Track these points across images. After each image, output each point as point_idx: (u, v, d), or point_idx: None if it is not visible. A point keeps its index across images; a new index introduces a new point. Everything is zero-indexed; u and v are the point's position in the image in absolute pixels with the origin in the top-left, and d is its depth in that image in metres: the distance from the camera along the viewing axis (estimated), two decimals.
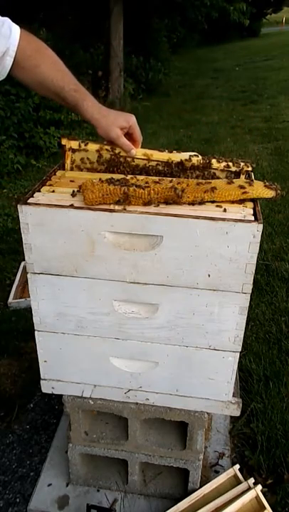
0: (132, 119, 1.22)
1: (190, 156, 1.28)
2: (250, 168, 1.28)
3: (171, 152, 1.38)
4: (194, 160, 1.26)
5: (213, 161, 1.27)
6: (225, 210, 1.08)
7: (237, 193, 1.11)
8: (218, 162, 1.27)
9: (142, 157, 1.27)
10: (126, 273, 1.13)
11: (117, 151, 1.26)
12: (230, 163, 1.27)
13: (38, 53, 1.15)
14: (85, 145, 1.29)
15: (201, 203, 1.10)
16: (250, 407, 1.84)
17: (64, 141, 1.30)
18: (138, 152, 1.26)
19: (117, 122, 1.20)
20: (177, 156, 1.27)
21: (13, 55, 1.11)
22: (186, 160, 1.26)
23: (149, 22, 9.18)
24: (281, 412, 1.82)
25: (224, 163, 1.27)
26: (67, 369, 1.31)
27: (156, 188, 1.09)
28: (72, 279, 1.16)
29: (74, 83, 1.17)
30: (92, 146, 1.29)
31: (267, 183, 1.15)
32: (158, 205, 1.09)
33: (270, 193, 1.13)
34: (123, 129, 1.21)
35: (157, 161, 1.27)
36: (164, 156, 1.28)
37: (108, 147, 1.27)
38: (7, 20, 1.11)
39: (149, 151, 1.28)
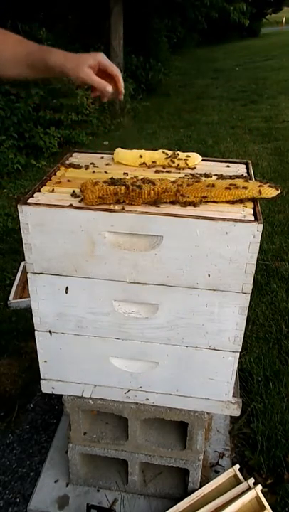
0: (98, 55, 1.17)
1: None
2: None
3: (173, 152, 1.39)
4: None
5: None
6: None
7: (237, 192, 1.11)
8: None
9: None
10: (126, 273, 1.13)
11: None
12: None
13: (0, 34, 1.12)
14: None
15: (201, 202, 1.10)
16: (250, 407, 1.84)
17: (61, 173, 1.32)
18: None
19: (85, 62, 1.15)
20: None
21: None
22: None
23: (149, 22, 9.16)
24: (281, 412, 1.82)
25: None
26: (67, 369, 1.31)
27: (156, 188, 1.09)
28: (72, 279, 1.16)
29: (38, 46, 1.14)
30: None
31: (262, 182, 1.15)
32: (158, 205, 1.10)
33: (270, 193, 1.13)
34: (93, 67, 1.17)
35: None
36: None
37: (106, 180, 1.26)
38: None
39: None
